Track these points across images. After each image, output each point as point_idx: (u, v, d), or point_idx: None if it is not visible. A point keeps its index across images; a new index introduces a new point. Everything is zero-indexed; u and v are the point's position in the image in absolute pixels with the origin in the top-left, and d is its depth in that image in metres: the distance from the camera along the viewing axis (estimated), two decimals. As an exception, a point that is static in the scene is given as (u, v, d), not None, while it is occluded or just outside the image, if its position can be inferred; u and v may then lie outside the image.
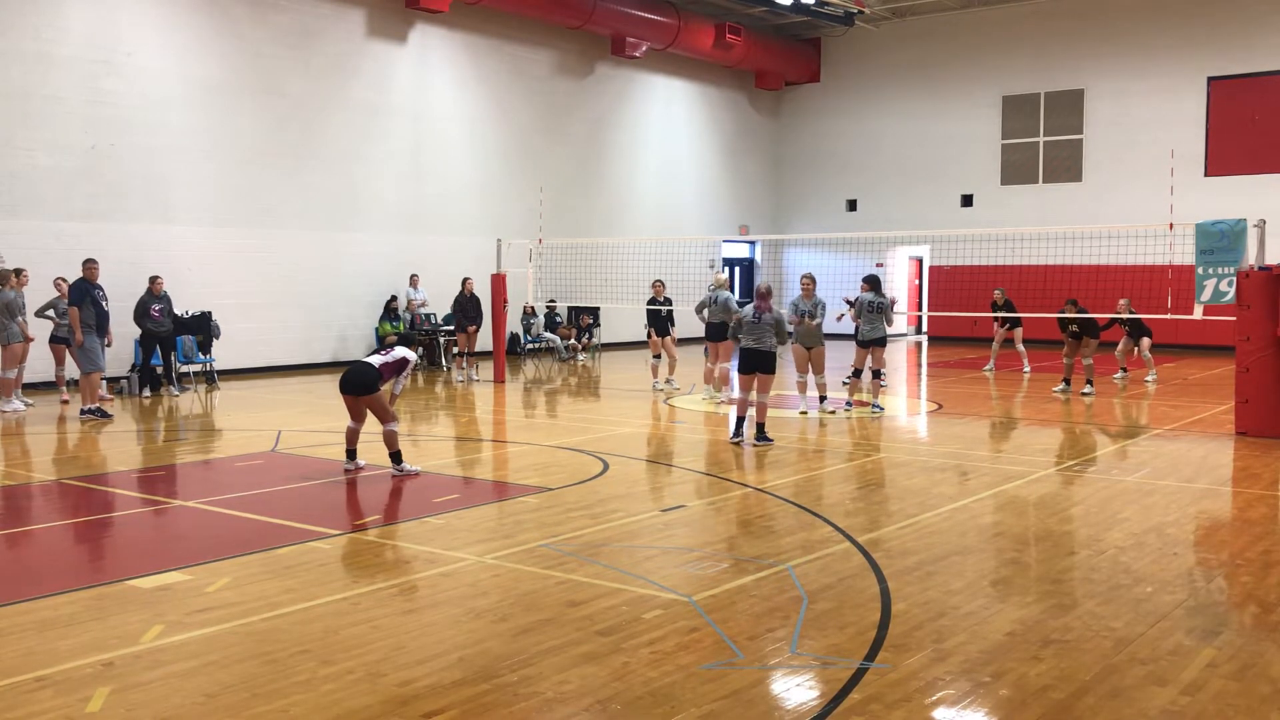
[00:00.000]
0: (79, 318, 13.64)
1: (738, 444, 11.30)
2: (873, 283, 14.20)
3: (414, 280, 20.79)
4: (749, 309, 11.42)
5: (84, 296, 13.77)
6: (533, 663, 4.97)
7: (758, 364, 11.31)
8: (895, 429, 13.17)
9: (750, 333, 11.35)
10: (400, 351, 9.90)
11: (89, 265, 14.07)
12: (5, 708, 4.45)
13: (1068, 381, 16.48)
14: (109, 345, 14.28)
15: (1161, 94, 25.07)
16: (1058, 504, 8.64)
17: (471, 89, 22.43)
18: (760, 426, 11.38)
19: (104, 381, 14.40)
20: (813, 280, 13.65)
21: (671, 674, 4.82)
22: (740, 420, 11.50)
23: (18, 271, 14.30)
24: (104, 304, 14.05)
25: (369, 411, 9.77)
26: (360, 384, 9.59)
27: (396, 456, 9.64)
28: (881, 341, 14.06)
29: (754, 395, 11.43)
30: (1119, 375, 18.17)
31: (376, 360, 9.77)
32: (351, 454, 9.87)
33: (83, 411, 13.38)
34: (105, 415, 13.37)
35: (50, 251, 15.83)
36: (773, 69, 29.25)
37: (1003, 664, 4.99)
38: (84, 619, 5.58)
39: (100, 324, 13.92)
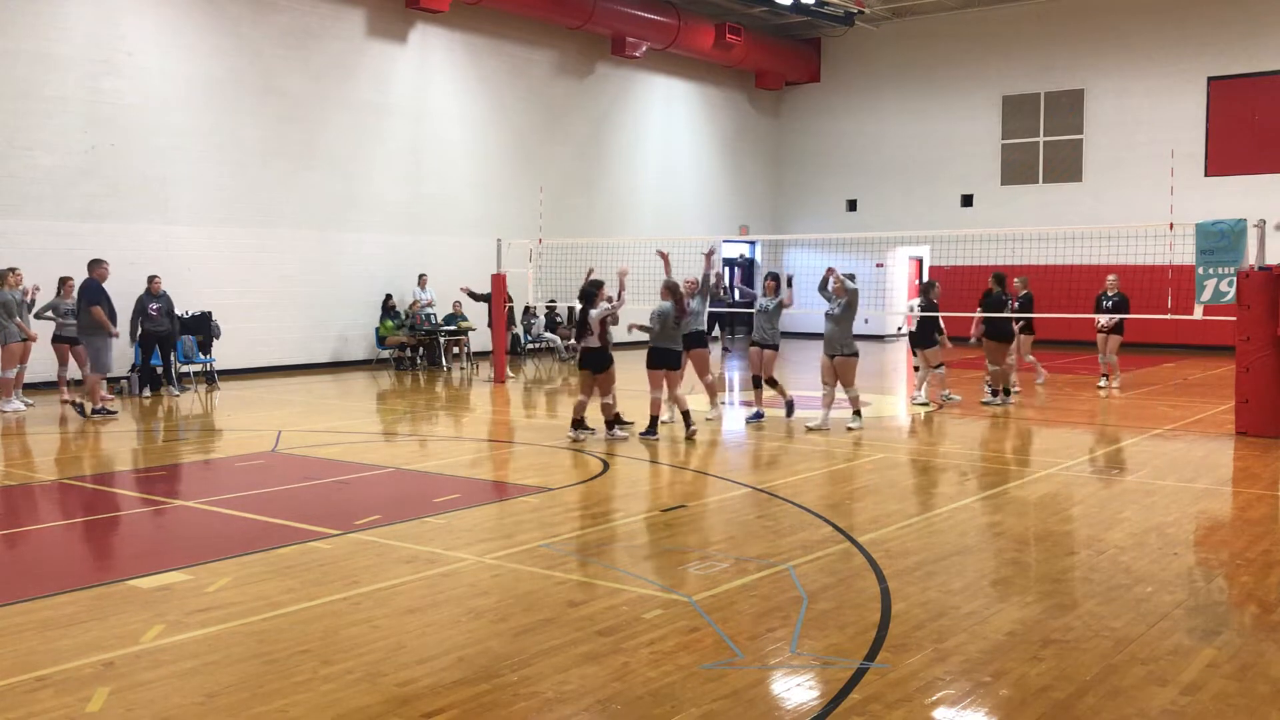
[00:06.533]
0: (104, 315, 13.69)
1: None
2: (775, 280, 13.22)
3: (422, 280, 20.81)
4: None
5: (102, 295, 13.87)
6: (533, 663, 4.97)
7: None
8: (895, 429, 13.17)
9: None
10: (594, 314, 11.60)
11: (100, 265, 14.07)
12: (5, 708, 4.45)
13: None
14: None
15: (1161, 94, 25.07)
16: (1058, 504, 8.63)
17: (471, 89, 22.43)
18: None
19: (104, 381, 14.36)
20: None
21: (671, 674, 4.82)
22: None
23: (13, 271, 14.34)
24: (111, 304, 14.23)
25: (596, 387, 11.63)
26: (593, 362, 11.60)
27: (609, 424, 11.59)
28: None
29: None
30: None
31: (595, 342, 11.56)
32: (578, 424, 11.65)
33: (94, 411, 13.48)
34: (112, 413, 13.59)
35: (50, 251, 15.82)
36: (773, 69, 29.24)
37: (1003, 664, 4.99)
38: (84, 619, 5.58)
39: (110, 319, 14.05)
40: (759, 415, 13.00)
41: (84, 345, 13.92)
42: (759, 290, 13.47)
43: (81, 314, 13.85)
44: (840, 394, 12.43)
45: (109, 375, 14.05)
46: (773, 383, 13.08)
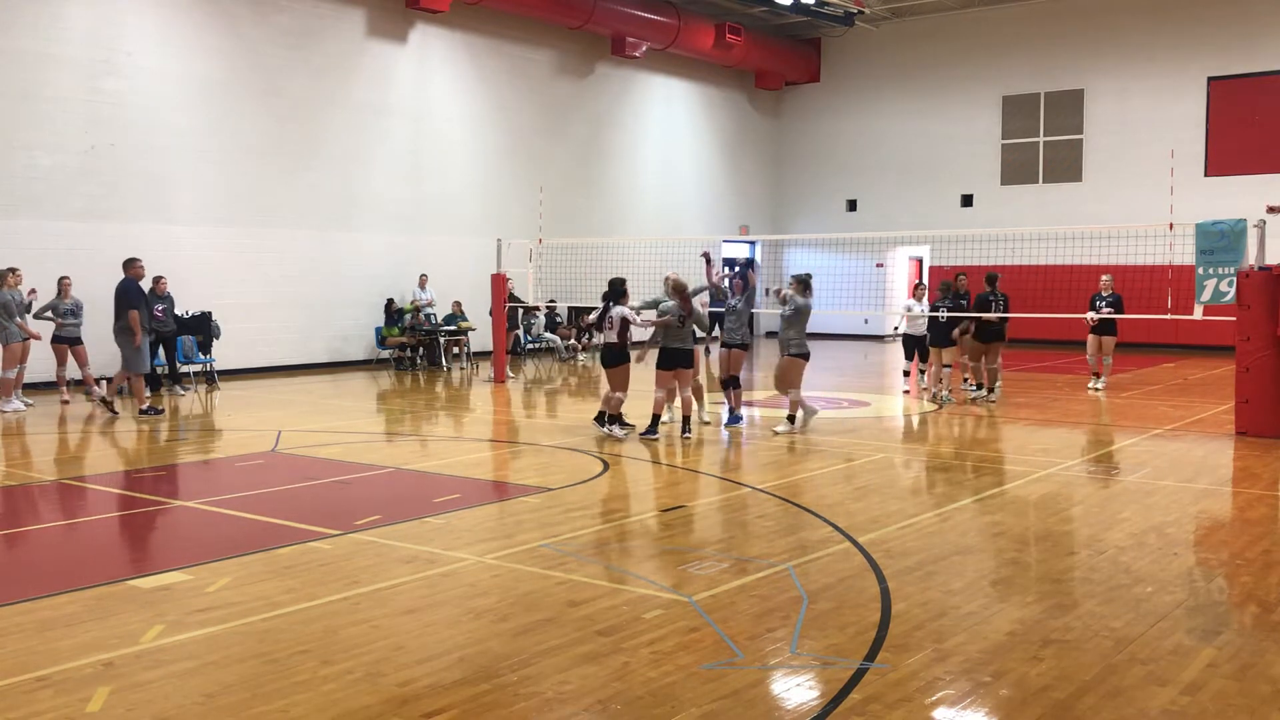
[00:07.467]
0: (138, 322, 13.49)
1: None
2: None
3: (422, 280, 20.82)
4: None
5: (141, 298, 13.80)
6: (533, 663, 4.97)
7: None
8: (894, 429, 13.17)
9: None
10: (617, 311, 11.78)
11: (135, 264, 13.87)
12: (5, 708, 4.45)
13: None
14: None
15: (1161, 94, 25.07)
16: (1058, 504, 8.63)
17: (471, 89, 22.43)
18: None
19: (105, 382, 14.41)
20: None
21: (671, 674, 4.82)
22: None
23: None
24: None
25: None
26: (607, 358, 11.84)
27: (605, 419, 11.67)
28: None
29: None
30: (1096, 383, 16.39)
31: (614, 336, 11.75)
32: (602, 418, 11.75)
33: (141, 411, 13.57)
34: (116, 413, 13.56)
35: (50, 251, 15.81)
36: (773, 69, 29.24)
37: (1003, 664, 4.99)
38: (84, 619, 5.58)
39: (145, 325, 13.93)
40: (736, 419, 12.59)
41: (120, 346, 13.67)
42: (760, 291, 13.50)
43: (119, 316, 13.59)
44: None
45: (111, 374, 14.03)
46: (734, 383, 12.65)
